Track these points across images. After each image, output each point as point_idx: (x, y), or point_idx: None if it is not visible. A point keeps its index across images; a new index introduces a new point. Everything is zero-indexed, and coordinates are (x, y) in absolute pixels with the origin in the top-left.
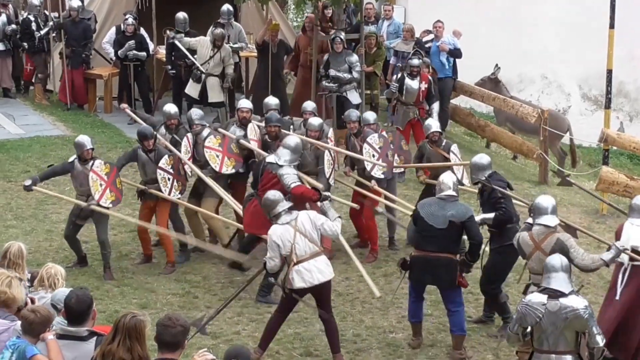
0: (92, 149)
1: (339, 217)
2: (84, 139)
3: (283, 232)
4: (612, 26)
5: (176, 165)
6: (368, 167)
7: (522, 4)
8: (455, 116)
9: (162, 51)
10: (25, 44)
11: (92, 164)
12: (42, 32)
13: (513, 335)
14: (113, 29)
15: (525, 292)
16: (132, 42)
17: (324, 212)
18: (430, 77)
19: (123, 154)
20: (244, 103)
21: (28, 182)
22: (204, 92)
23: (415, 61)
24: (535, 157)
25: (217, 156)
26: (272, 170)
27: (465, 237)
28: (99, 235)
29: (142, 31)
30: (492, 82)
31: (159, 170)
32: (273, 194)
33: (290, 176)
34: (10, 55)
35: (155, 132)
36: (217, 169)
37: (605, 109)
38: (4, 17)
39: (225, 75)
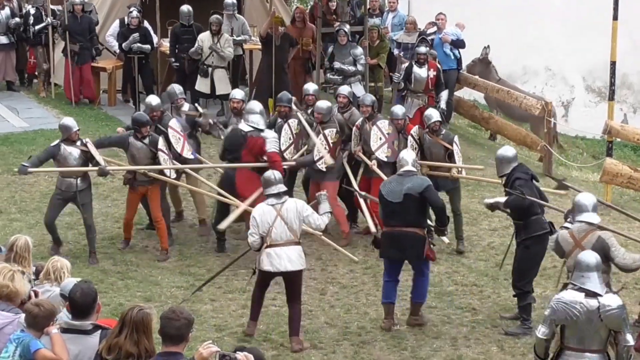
0: (79, 130)
1: (330, 212)
2: (70, 122)
3: (265, 213)
4: (615, 18)
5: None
6: (373, 148)
7: None
8: (459, 108)
9: (165, 44)
10: (30, 35)
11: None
12: (37, 27)
13: (539, 340)
14: (117, 22)
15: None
16: (136, 35)
17: (319, 203)
18: (438, 65)
19: (107, 136)
20: (236, 93)
21: (20, 171)
22: (212, 85)
23: (422, 49)
24: (539, 149)
25: (179, 139)
26: (255, 135)
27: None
28: (86, 219)
29: (146, 24)
30: (483, 64)
31: (160, 153)
32: (274, 175)
33: (273, 141)
34: (14, 48)
35: (149, 120)
36: (178, 151)
37: (609, 100)
38: (7, 10)
39: (229, 63)
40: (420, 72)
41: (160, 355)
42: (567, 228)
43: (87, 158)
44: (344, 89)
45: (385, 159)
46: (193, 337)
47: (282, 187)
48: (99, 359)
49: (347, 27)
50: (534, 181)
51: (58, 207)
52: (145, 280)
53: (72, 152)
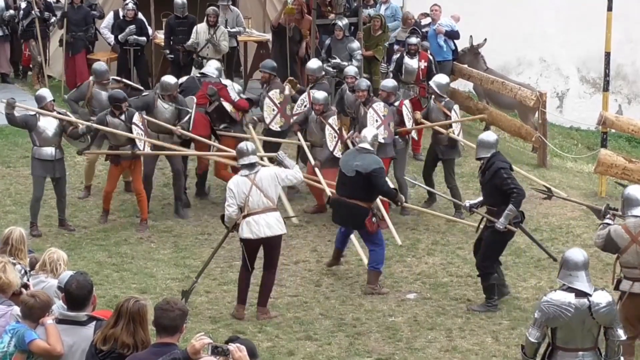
0: (54, 101)
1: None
2: (45, 92)
3: (239, 183)
4: (610, 9)
5: (144, 122)
6: None
7: None
8: (453, 99)
9: (160, 36)
10: (20, 28)
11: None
12: (25, 21)
13: (531, 343)
14: (111, 14)
15: (617, 287)
16: (132, 27)
17: (280, 162)
18: (430, 56)
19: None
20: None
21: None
22: None
23: (413, 39)
24: (534, 140)
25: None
26: (212, 81)
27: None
28: (61, 191)
29: (141, 16)
30: (471, 54)
31: (133, 127)
32: (247, 146)
33: (233, 91)
34: (8, 40)
35: (126, 95)
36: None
37: (603, 91)
38: (1, 2)
39: (223, 56)
40: (412, 63)
41: (155, 346)
42: (607, 224)
43: (63, 127)
44: (363, 83)
45: (382, 141)
46: (188, 329)
47: (254, 158)
48: (93, 350)
49: (344, 22)
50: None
51: (40, 181)
52: (140, 272)
53: (50, 121)
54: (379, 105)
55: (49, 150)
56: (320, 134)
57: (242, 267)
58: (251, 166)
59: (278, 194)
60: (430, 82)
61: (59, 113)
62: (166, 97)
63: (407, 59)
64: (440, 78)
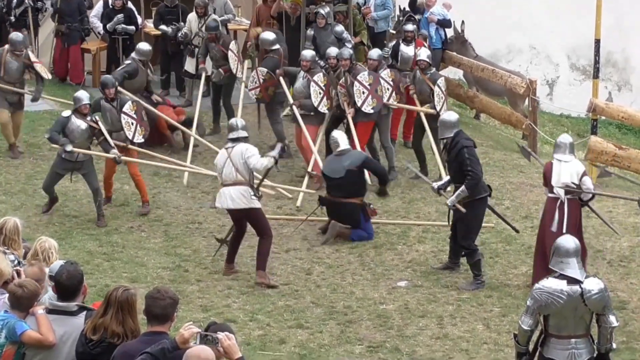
0: (90, 105)
1: (274, 157)
2: (82, 94)
3: (220, 155)
4: None
5: (139, 112)
6: (358, 104)
7: None
8: None
9: (150, 25)
10: (12, 18)
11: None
12: (18, 10)
13: (524, 331)
14: (100, 3)
15: None
16: (120, 15)
17: (272, 148)
18: (425, 44)
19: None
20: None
21: (69, 148)
22: (197, 66)
23: (410, 26)
24: (524, 128)
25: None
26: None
27: None
28: (92, 184)
29: (130, 5)
30: (458, 42)
31: (122, 115)
32: (237, 122)
33: None
34: None
35: (115, 82)
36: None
37: (593, 78)
38: None
39: None
40: (407, 50)
41: (146, 335)
42: None
43: (93, 133)
44: (375, 53)
45: (372, 111)
46: (179, 318)
47: (242, 133)
48: (84, 339)
49: (326, 10)
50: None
51: (57, 177)
52: (131, 262)
53: (81, 125)
54: (364, 75)
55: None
56: (307, 91)
57: (233, 233)
58: (235, 140)
59: (250, 171)
60: (425, 54)
61: (93, 120)
62: (146, 63)
63: (402, 46)
64: (428, 52)
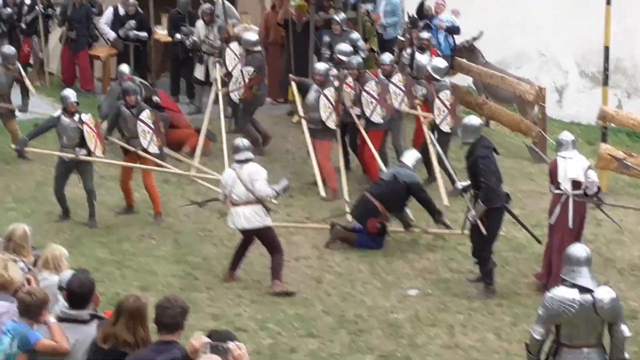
0: (77, 103)
1: (282, 189)
2: (69, 92)
3: (227, 175)
4: (609, 2)
5: (157, 122)
6: (367, 114)
7: None
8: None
9: (160, 32)
10: (22, 25)
11: (81, 117)
12: (29, 17)
13: (536, 340)
14: (110, 10)
15: None
16: (132, 22)
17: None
18: (439, 52)
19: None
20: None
21: (18, 146)
22: (207, 72)
23: (425, 34)
24: (534, 135)
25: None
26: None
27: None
28: (86, 185)
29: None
30: (468, 51)
31: (139, 122)
32: (243, 142)
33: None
34: (6, 37)
35: (136, 89)
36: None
37: (603, 86)
38: None
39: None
40: (422, 58)
41: (156, 344)
42: None
43: (82, 133)
44: (387, 57)
45: (382, 120)
46: (189, 326)
47: (249, 155)
48: (95, 348)
49: (341, 16)
50: (494, 154)
51: (62, 176)
52: (141, 270)
53: (70, 123)
54: (371, 85)
55: (69, 152)
56: (316, 105)
57: (240, 242)
58: (243, 161)
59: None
60: (429, 65)
61: (80, 120)
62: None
63: (418, 55)
64: (438, 62)
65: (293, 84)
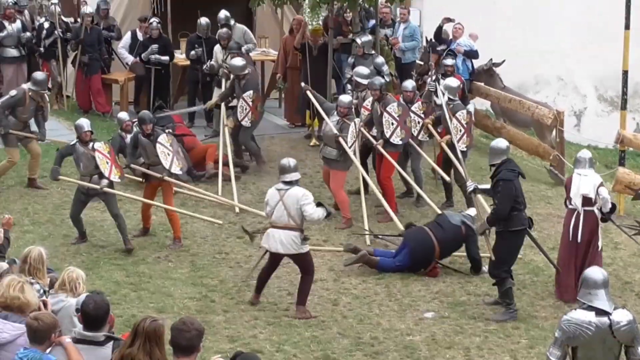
0: (91, 132)
1: (328, 211)
2: (83, 122)
3: (272, 195)
4: (627, 27)
5: (174, 145)
6: (387, 135)
7: (539, 5)
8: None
9: (179, 56)
10: (41, 49)
11: (94, 145)
12: (47, 41)
13: None
14: (128, 35)
15: None
16: (155, 46)
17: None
18: (462, 78)
19: (128, 147)
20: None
21: (52, 176)
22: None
23: (450, 61)
24: (552, 159)
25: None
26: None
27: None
28: (111, 210)
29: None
30: (487, 74)
31: (158, 145)
32: (290, 162)
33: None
34: (25, 61)
35: (152, 118)
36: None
37: (621, 110)
38: (18, 24)
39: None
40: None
41: None
42: None
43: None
44: (409, 84)
45: (400, 142)
46: (206, 348)
47: (295, 176)
48: None
49: (363, 39)
50: (520, 178)
51: (80, 204)
52: (157, 292)
53: (85, 152)
54: (393, 107)
55: (86, 180)
56: (338, 130)
57: (266, 264)
58: (289, 183)
59: (301, 215)
60: (442, 85)
61: (93, 148)
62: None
63: (442, 81)
64: (451, 81)
65: (310, 94)
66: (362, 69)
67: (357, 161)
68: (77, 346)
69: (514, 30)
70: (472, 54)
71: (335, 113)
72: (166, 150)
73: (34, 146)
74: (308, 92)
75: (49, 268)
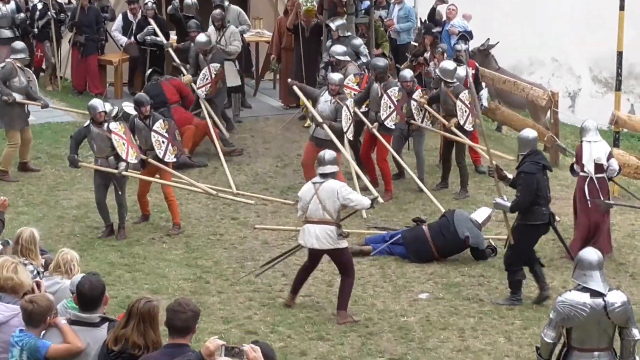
0: (105, 112)
1: (373, 199)
2: (97, 102)
3: (306, 190)
4: (622, 8)
5: (171, 130)
6: (382, 117)
7: None
8: None
9: (173, 37)
10: (35, 30)
11: (109, 126)
12: (41, 22)
13: (547, 344)
14: (120, 16)
15: None
16: (150, 27)
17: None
18: (476, 64)
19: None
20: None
21: (71, 164)
22: None
23: (462, 45)
24: (546, 140)
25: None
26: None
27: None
28: (118, 197)
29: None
30: (482, 54)
31: (153, 133)
32: (326, 155)
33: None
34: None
35: (149, 99)
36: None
37: (615, 91)
38: (12, 4)
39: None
40: (459, 70)
41: (167, 347)
42: None
43: (112, 142)
44: (408, 74)
45: (393, 127)
46: (200, 329)
47: (330, 168)
48: (105, 350)
49: (336, 23)
50: (546, 171)
51: (103, 187)
52: (152, 273)
53: (99, 133)
54: (394, 90)
55: (108, 162)
56: (333, 114)
57: (305, 263)
58: (323, 176)
59: (337, 209)
60: (437, 69)
61: (108, 129)
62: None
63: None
64: (447, 64)
65: (297, 89)
66: (338, 47)
67: (347, 153)
68: (73, 327)
69: (509, 12)
70: (465, 36)
71: (327, 92)
72: (161, 139)
73: (27, 133)
74: (295, 88)
75: (43, 249)
